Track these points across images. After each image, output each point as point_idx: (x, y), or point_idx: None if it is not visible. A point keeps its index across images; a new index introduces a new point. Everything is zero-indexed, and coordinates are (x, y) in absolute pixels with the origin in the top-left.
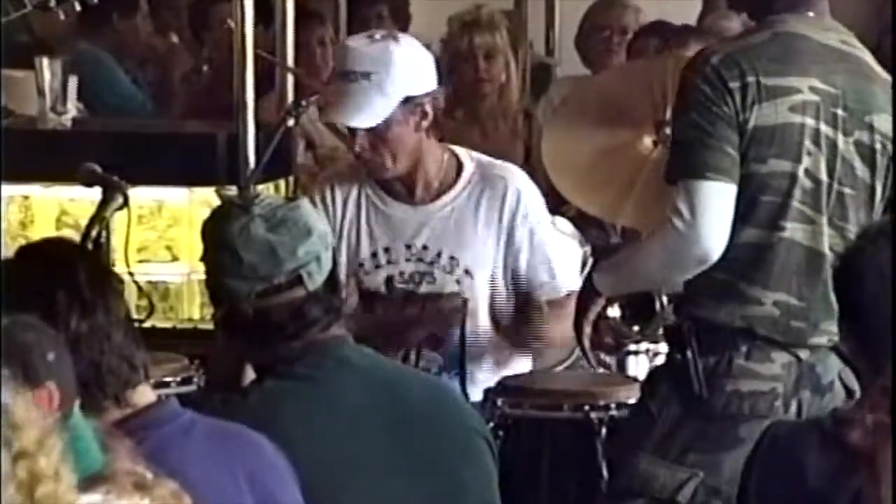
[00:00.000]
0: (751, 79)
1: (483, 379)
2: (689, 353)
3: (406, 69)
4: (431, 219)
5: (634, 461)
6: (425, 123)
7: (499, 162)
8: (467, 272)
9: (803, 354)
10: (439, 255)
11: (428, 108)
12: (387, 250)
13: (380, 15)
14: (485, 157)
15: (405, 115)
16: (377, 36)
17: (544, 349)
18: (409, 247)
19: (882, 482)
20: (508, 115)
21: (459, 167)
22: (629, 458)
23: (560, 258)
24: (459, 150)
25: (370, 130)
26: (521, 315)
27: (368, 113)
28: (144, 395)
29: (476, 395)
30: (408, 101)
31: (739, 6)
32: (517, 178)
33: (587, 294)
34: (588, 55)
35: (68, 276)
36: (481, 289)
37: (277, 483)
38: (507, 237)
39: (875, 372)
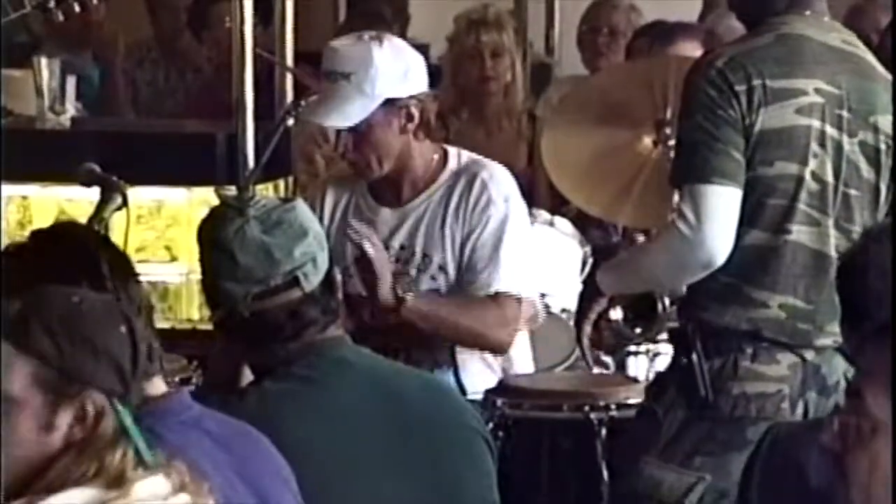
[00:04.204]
0: (757, 82)
1: (476, 370)
2: (694, 357)
3: (386, 71)
4: (407, 218)
5: (641, 465)
6: (411, 126)
7: (484, 160)
8: (441, 268)
9: (808, 355)
10: (413, 254)
11: (414, 111)
12: None
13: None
14: (474, 157)
15: (387, 117)
16: (365, 37)
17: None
18: (387, 248)
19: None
20: (513, 115)
21: (444, 166)
22: (635, 463)
23: (511, 260)
24: (452, 150)
25: (353, 131)
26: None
27: (346, 113)
28: (157, 386)
29: (472, 386)
30: (390, 103)
31: (737, 7)
32: (488, 171)
33: (589, 293)
34: (583, 55)
35: (91, 263)
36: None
37: (281, 483)
38: (465, 227)
39: None
